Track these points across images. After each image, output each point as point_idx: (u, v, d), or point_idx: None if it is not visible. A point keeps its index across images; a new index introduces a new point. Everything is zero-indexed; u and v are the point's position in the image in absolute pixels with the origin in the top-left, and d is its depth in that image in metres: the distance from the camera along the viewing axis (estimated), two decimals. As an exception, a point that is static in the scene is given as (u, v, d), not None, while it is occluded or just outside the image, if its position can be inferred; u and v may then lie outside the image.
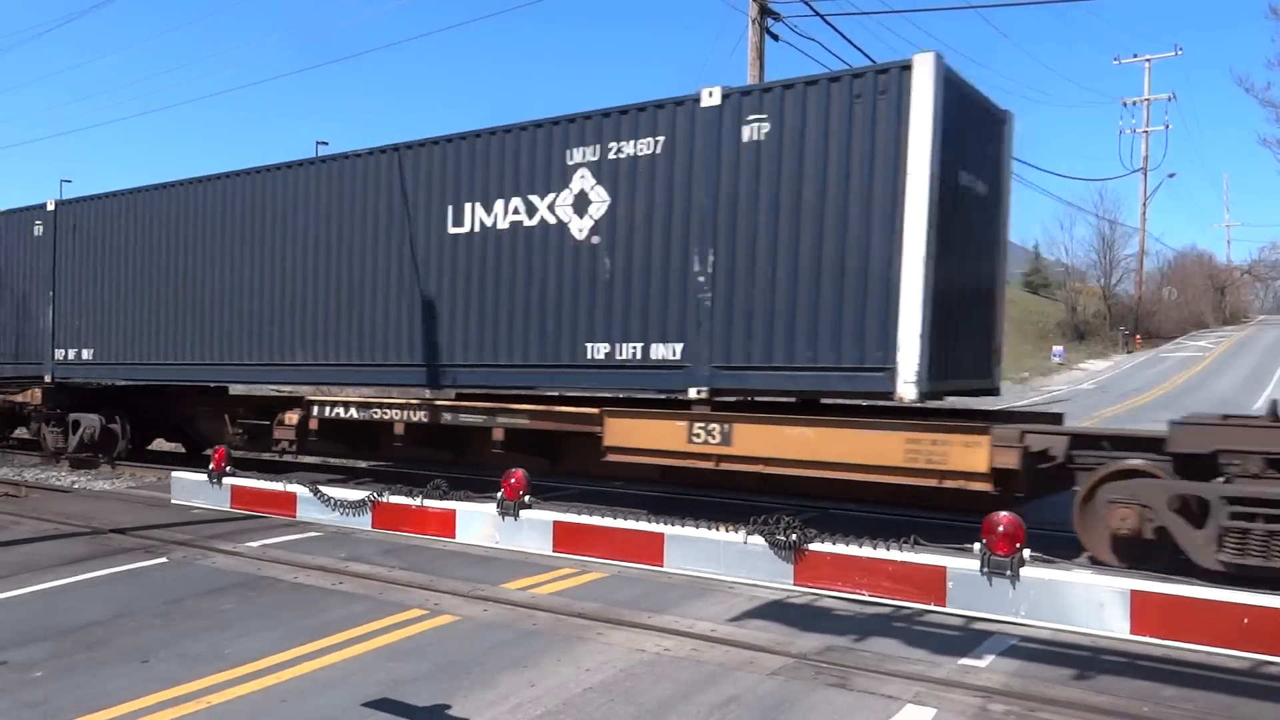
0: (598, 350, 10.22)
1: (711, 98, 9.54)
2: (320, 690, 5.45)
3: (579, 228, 10.33)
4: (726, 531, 7.94)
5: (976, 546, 6.82)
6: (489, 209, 11.02)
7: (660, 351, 9.83)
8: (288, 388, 14.13)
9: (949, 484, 8.51)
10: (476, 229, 11.12)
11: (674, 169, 9.77)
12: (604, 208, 10.18)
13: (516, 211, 10.81)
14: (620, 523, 8.51)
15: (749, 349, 9.36)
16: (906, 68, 8.57)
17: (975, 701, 5.30)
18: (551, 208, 10.53)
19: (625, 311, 10.03)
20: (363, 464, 15.38)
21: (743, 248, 9.39)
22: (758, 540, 7.69)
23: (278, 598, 7.46)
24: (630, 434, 10.05)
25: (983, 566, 6.76)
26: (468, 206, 11.19)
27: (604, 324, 10.17)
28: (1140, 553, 7.92)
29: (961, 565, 6.89)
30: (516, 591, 7.62)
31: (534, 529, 8.93)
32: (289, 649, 6.13)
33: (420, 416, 11.79)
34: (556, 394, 11.70)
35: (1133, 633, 6.28)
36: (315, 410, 12.79)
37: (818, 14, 17.84)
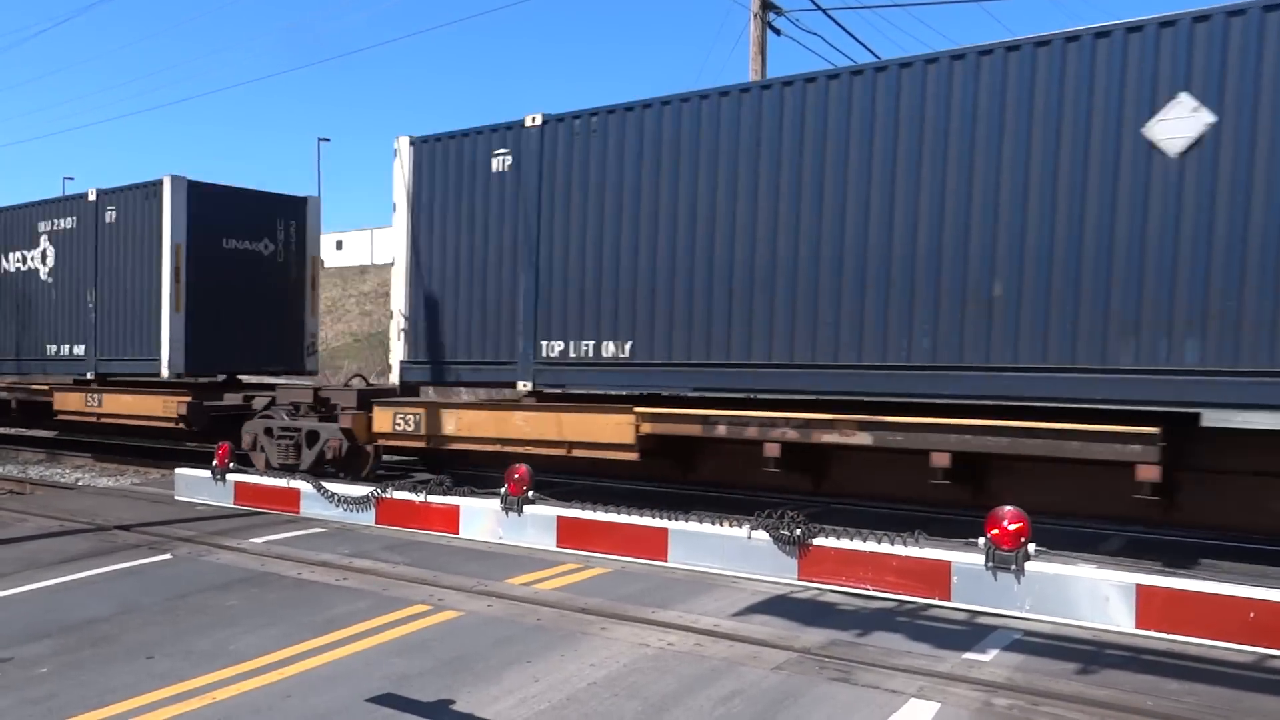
0: (52, 349, 16.33)
1: (91, 197, 15.58)
2: (324, 686, 5.45)
3: (45, 272, 16.46)
4: (730, 526, 7.94)
5: (981, 541, 6.82)
6: (7, 258, 17.17)
7: (76, 350, 15.92)
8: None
9: (180, 425, 14.36)
10: (9, 269, 17.20)
11: (82, 239, 15.73)
12: (54, 260, 16.27)
13: (21, 260, 16.92)
14: (624, 517, 8.51)
15: (111, 348, 15.38)
16: (160, 183, 14.51)
17: (979, 696, 5.29)
18: (34, 259, 16.64)
19: (64, 325, 16.11)
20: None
21: (106, 289, 15.37)
22: (762, 535, 7.69)
23: (282, 594, 7.47)
24: (63, 401, 15.99)
25: (987, 561, 6.77)
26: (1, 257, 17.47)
27: (55, 333, 16.25)
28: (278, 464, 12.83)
29: (966, 560, 6.89)
30: (520, 587, 7.63)
31: (538, 524, 8.94)
32: (293, 645, 6.14)
33: None
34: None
35: (1137, 627, 6.28)
36: None
37: (819, 8, 17.81)
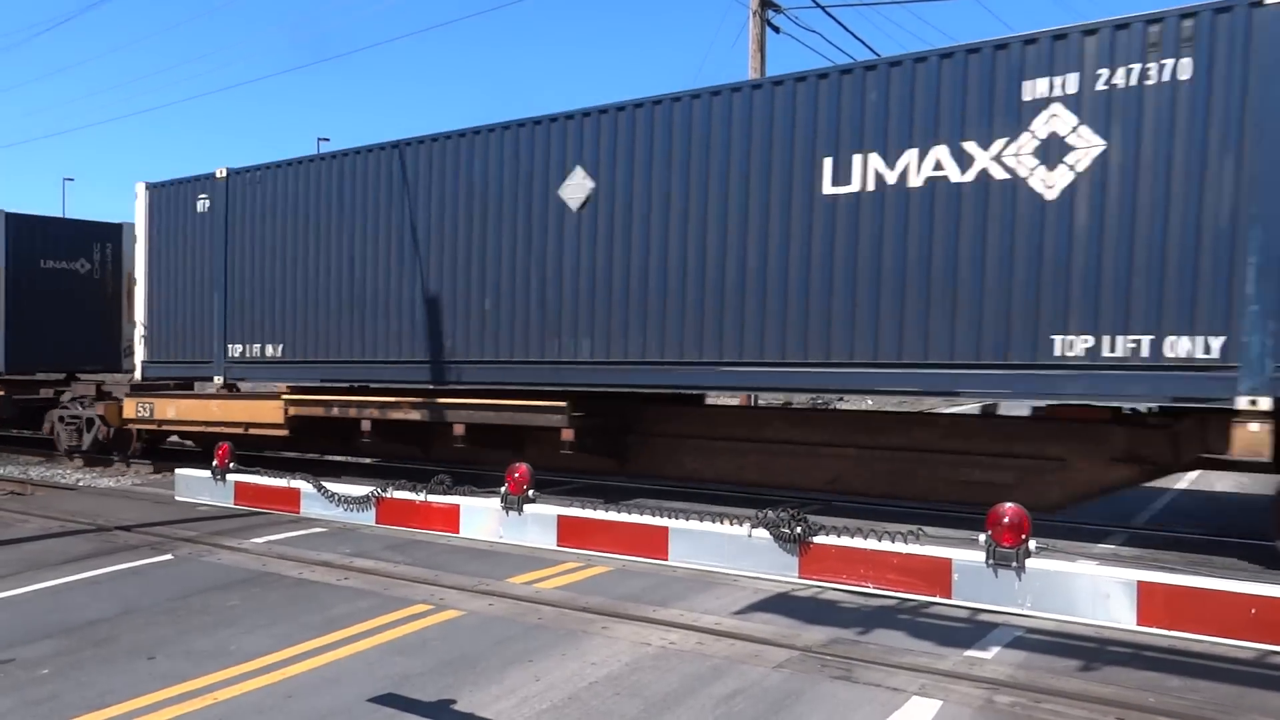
0: None
1: None
2: (326, 686, 5.45)
3: None
4: (731, 525, 7.93)
5: (982, 538, 6.81)
6: None
7: None
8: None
9: None
10: None
11: None
12: None
13: None
14: (624, 516, 8.50)
15: None
16: None
17: (981, 693, 5.29)
18: None
19: None
20: (367, 460, 15.40)
21: None
22: (762, 533, 7.69)
23: (283, 594, 7.47)
24: None
25: (988, 558, 6.76)
26: None
27: None
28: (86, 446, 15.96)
29: (967, 557, 6.89)
30: (521, 586, 7.63)
31: (538, 523, 8.94)
32: (294, 645, 6.14)
33: None
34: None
35: (1139, 624, 6.28)
36: None
37: (818, 5, 17.79)
